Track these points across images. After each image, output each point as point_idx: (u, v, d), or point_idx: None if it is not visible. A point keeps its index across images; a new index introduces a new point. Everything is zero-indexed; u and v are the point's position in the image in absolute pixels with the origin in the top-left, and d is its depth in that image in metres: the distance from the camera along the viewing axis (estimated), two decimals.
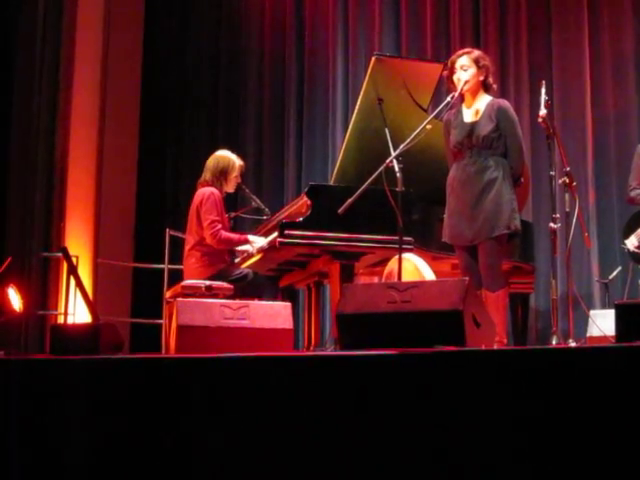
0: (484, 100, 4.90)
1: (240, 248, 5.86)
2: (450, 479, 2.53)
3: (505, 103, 4.95)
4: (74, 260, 6.80)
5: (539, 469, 2.42)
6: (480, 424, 2.51)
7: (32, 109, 8.87)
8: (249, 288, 5.65)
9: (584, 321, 5.29)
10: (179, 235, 7.04)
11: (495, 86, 5.00)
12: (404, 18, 8.24)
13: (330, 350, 5.89)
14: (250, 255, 5.79)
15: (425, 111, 5.72)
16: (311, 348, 6.32)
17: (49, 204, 8.76)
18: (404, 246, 4.84)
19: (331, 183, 5.96)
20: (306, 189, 5.47)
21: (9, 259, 6.56)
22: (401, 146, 4.78)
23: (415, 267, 5.05)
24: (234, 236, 5.78)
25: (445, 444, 2.55)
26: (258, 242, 5.70)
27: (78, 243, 8.66)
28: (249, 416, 2.85)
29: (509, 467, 2.47)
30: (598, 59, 7.33)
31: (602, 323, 4.67)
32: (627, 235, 6.07)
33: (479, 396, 2.53)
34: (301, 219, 5.29)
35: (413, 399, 2.61)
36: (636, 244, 5.97)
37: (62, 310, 8.07)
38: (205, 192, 5.77)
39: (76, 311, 7.81)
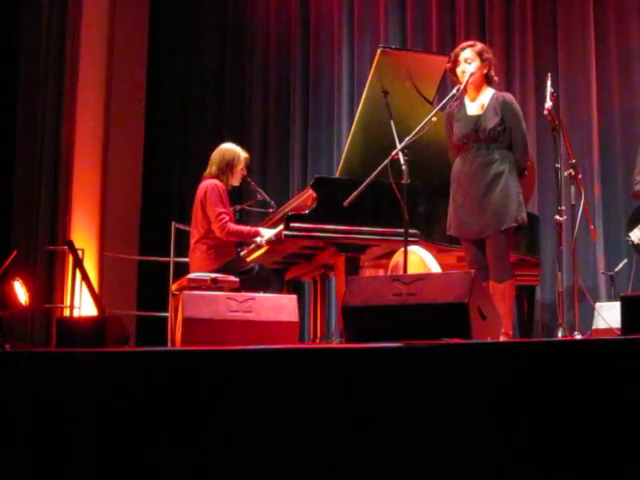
0: (488, 93, 4.89)
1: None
2: (454, 472, 2.53)
3: (509, 96, 4.94)
4: (80, 253, 6.80)
5: (543, 462, 2.42)
6: (485, 417, 2.52)
7: (38, 103, 8.89)
8: (255, 281, 5.65)
9: (590, 313, 5.29)
10: (185, 228, 7.04)
11: (497, 79, 5.00)
12: (409, 11, 8.22)
13: (336, 343, 5.90)
14: (256, 247, 5.79)
15: (430, 103, 5.71)
16: (317, 340, 6.33)
17: (55, 198, 8.78)
18: (410, 238, 4.84)
19: (337, 176, 5.96)
20: (312, 182, 5.46)
21: (14, 253, 6.59)
22: (406, 139, 4.78)
23: (421, 260, 5.05)
24: (244, 228, 5.75)
25: (450, 437, 2.55)
26: (269, 235, 5.66)
27: (84, 236, 8.67)
28: (255, 409, 2.86)
29: (513, 460, 2.47)
30: (604, 51, 7.32)
31: (608, 315, 4.68)
32: (631, 227, 6.07)
33: (484, 389, 2.53)
34: (307, 212, 5.29)
35: (419, 392, 2.61)
36: None
37: (68, 303, 8.09)
38: (208, 185, 5.77)
39: (82, 304, 7.83)
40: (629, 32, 7.24)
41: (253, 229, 5.75)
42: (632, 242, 6.05)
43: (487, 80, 4.92)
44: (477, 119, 4.82)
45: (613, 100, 7.24)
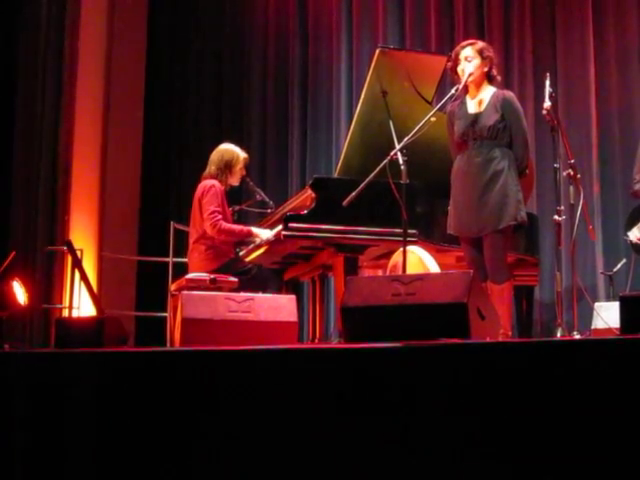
0: (488, 91, 4.89)
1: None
2: (457, 471, 2.53)
3: (510, 94, 4.94)
4: (78, 253, 6.80)
5: (541, 462, 2.42)
6: (483, 417, 2.51)
7: (36, 103, 8.88)
8: (253, 281, 5.65)
9: (589, 313, 5.28)
10: (184, 228, 7.04)
11: (499, 77, 5.00)
12: (408, 11, 8.22)
13: (335, 343, 5.89)
14: (255, 247, 5.79)
15: (429, 103, 5.70)
16: (316, 341, 6.33)
17: (53, 198, 8.77)
18: (408, 239, 4.84)
19: (335, 176, 5.95)
20: (310, 182, 5.46)
21: (13, 253, 6.58)
22: (405, 139, 4.77)
23: (419, 260, 5.05)
24: (236, 227, 5.77)
25: (449, 437, 2.55)
26: (263, 234, 5.67)
27: (82, 236, 8.66)
28: (253, 409, 2.86)
29: (512, 460, 2.47)
30: (602, 51, 7.31)
31: (607, 315, 4.67)
32: (630, 227, 6.06)
33: (483, 389, 2.53)
34: (305, 212, 5.29)
35: (418, 392, 2.61)
36: (639, 236, 5.96)
37: (67, 303, 8.08)
38: (206, 184, 5.79)
39: (81, 304, 7.82)
40: (628, 32, 7.24)
41: (245, 229, 5.77)
42: (630, 241, 6.05)
43: (488, 78, 4.92)
44: (477, 117, 4.82)
45: (612, 100, 7.23)
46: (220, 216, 5.67)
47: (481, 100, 4.87)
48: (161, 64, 9.78)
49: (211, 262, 5.70)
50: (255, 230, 5.75)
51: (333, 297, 7.38)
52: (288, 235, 5.26)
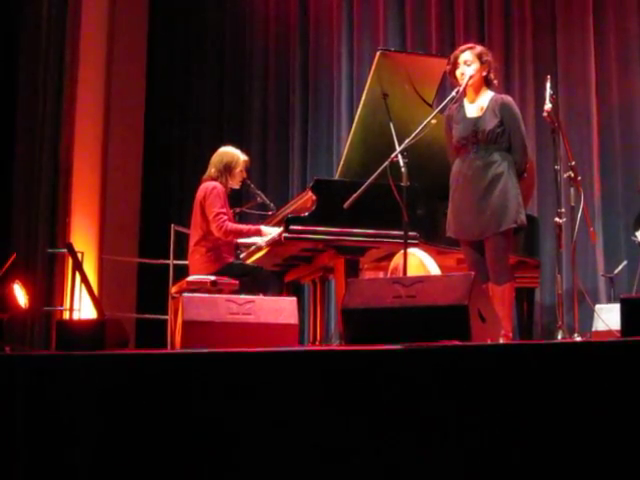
0: (487, 95, 4.90)
1: (249, 240, 5.80)
2: (457, 472, 2.53)
3: (508, 98, 4.95)
4: (79, 256, 6.80)
5: (543, 465, 2.42)
6: (484, 419, 2.51)
7: (37, 105, 8.88)
8: (254, 283, 5.64)
9: (589, 316, 5.29)
10: (184, 231, 7.04)
11: (496, 82, 5.00)
12: (409, 13, 8.23)
13: (335, 345, 5.89)
14: (256, 250, 5.78)
15: (430, 106, 5.71)
16: (316, 343, 6.33)
17: (54, 200, 8.77)
18: (409, 241, 4.84)
19: (336, 178, 5.96)
20: (311, 184, 5.47)
21: (14, 255, 6.58)
22: (406, 141, 4.78)
23: (420, 262, 5.05)
24: (244, 227, 5.74)
25: (449, 438, 2.55)
26: (272, 233, 5.63)
27: (83, 239, 8.66)
28: (254, 411, 2.86)
29: (513, 462, 2.47)
30: (603, 53, 7.32)
31: (607, 317, 4.68)
32: (637, 227, 6.05)
33: (484, 391, 2.53)
34: (306, 214, 5.29)
35: (418, 394, 2.61)
36: None
37: (67, 306, 8.08)
38: (208, 186, 5.78)
39: (81, 307, 7.83)
40: (628, 34, 7.24)
41: (253, 227, 5.73)
42: (638, 242, 6.04)
43: (486, 82, 4.92)
44: (476, 121, 4.83)
45: (612, 102, 7.23)
46: (226, 217, 5.66)
47: (480, 104, 4.87)
48: (162, 65, 9.79)
49: (212, 264, 5.70)
50: (264, 229, 5.71)
51: (334, 299, 7.39)
52: (289, 237, 5.26)
